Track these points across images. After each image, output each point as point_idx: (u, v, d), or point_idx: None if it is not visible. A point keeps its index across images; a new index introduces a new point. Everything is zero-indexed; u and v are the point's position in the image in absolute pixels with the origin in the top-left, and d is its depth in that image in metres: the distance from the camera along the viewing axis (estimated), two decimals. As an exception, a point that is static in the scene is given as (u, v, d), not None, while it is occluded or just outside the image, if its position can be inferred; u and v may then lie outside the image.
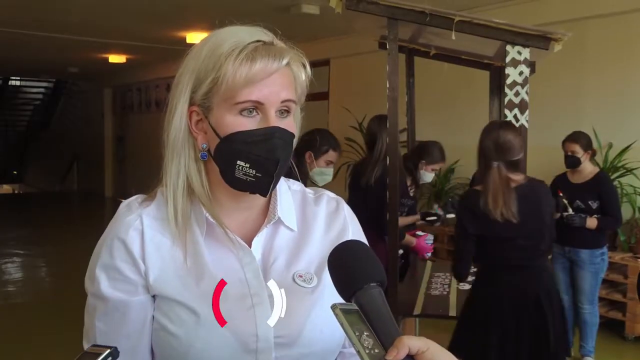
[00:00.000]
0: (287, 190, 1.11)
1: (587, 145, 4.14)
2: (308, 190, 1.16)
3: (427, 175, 4.03)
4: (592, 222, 3.95)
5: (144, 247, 1.00)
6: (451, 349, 2.86)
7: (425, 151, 4.03)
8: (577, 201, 4.08)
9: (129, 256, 0.99)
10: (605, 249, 4.14)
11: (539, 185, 2.76)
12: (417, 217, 3.96)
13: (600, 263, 4.11)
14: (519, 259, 2.68)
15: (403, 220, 3.60)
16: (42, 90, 18.79)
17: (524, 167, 2.82)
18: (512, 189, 2.63)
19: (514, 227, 2.62)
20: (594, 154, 4.29)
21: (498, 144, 2.64)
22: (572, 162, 4.11)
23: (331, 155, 3.34)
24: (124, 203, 1.06)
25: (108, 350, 0.82)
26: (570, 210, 4.01)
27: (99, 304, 1.00)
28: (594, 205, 4.02)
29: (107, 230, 1.04)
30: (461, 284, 3.67)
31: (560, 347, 2.68)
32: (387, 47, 2.97)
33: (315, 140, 3.30)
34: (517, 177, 2.68)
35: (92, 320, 1.02)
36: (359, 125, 7.11)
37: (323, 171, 3.33)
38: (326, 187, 3.13)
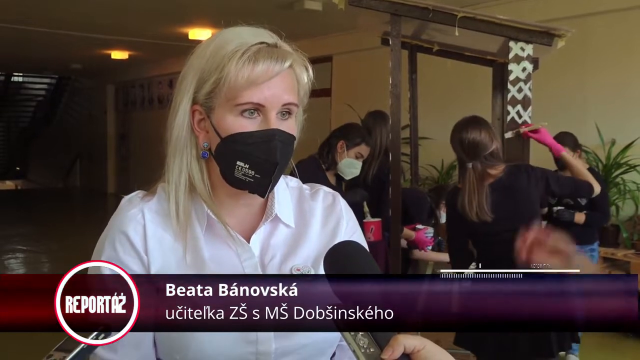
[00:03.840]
0: (285, 187, 1.13)
1: (574, 145, 4.14)
2: (305, 186, 1.18)
3: (443, 216, 4.03)
4: (579, 217, 3.95)
5: (146, 240, 1.02)
6: (456, 342, 2.86)
7: (446, 192, 4.09)
8: (568, 199, 4.08)
9: (132, 249, 1.01)
10: (595, 246, 4.13)
11: (520, 173, 2.67)
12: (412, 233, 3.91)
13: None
14: (508, 252, 2.66)
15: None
16: (44, 86, 18.80)
17: (528, 155, 2.81)
18: (485, 186, 2.62)
19: (496, 223, 2.62)
20: (580, 152, 4.27)
21: (464, 145, 2.65)
22: (562, 164, 4.09)
23: (362, 148, 3.30)
24: (126, 198, 1.08)
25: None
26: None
27: None
28: (583, 201, 4.02)
29: (109, 225, 1.05)
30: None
31: (562, 335, 2.64)
32: (390, 43, 2.97)
33: (350, 131, 3.30)
34: (496, 170, 2.65)
35: None
36: (362, 122, 7.10)
37: (352, 163, 3.29)
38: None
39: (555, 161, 4.14)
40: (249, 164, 0.99)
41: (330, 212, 1.14)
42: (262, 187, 1.01)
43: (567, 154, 2.98)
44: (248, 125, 0.99)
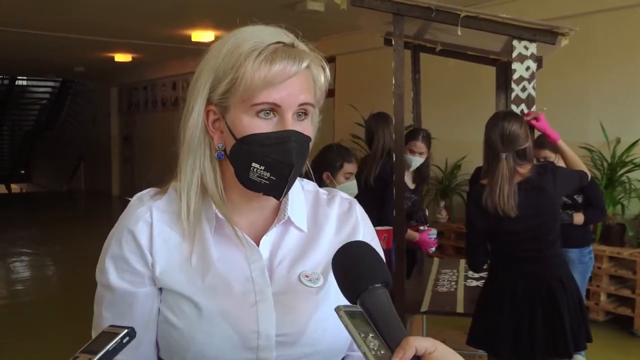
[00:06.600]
0: (300, 190, 1.11)
1: (555, 146, 4.10)
2: (322, 190, 1.15)
3: (411, 159, 3.87)
4: (578, 218, 3.91)
5: (152, 239, 1.01)
6: (469, 342, 2.90)
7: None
8: (563, 197, 4.04)
9: (136, 247, 1.00)
10: (591, 247, 4.10)
11: (546, 173, 2.72)
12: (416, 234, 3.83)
13: (588, 262, 4.07)
14: (527, 251, 2.68)
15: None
16: (48, 90, 18.84)
17: (532, 156, 2.81)
18: (514, 183, 2.63)
19: (517, 222, 2.62)
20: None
21: (504, 135, 2.64)
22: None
23: (347, 167, 3.25)
24: (137, 195, 1.07)
25: (125, 330, 0.84)
26: None
27: (106, 294, 1.02)
28: (579, 199, 3.99)
29: (118, 221, 1.05)
30: (468, 280, 3.66)
31: (578, 336, 2.65)
32: (393, 43, 2.95)
33: (327, 159, 3.23)
34: (524, 169, 2.68)
35: (100, 309, 1.04)
36: (365, 124, 7.09)
37: (347, 186, 3.22)
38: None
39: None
40: (264, 166, 0.97)
41: (345, 219, 1.11)
42: (278, 189, 0.99)
43: (562, 142, 2.98)
44: (264, 126, 0.96)
